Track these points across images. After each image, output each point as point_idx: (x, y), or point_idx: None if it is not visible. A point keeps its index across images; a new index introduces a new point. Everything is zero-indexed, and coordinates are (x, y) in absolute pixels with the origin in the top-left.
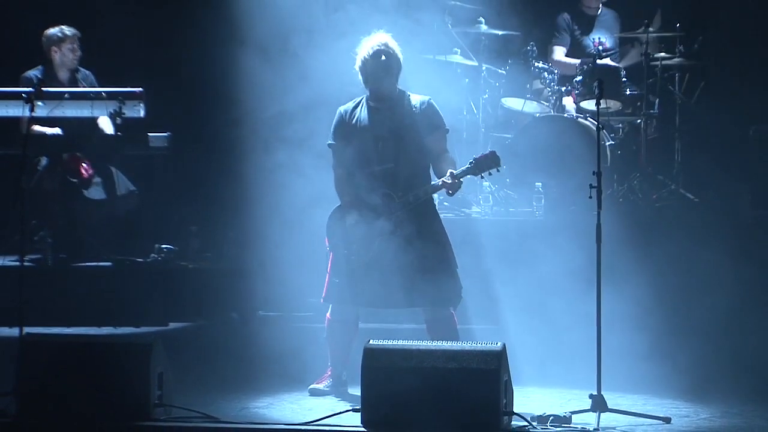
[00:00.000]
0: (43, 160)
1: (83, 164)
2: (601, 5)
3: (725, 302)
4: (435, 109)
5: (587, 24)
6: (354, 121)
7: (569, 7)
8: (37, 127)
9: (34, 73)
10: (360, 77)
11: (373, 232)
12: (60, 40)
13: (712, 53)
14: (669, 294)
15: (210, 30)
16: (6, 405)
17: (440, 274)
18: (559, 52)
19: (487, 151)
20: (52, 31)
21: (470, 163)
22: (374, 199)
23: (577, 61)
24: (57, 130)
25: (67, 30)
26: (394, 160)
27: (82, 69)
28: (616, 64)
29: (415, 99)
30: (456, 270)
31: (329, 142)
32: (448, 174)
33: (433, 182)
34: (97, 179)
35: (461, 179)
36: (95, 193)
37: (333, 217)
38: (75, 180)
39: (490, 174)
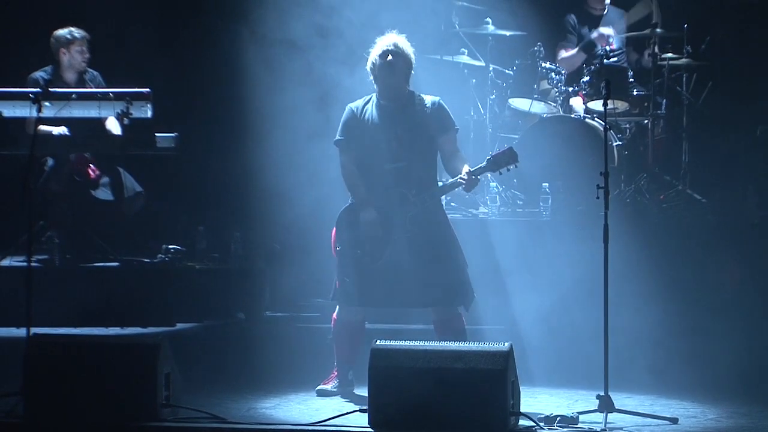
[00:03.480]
0: (50, 161)
1: (90, 165)
2: (607, 5)
3: (733, 303)
4: (445, 109)
5: (593, 24)
6: (364, 118)
7: (575, 8)
8: (43, 127)
9: (40, 74)
10: (370, 76)
11: (388, 232)
12: (69, 42)
13: (720, 54)
14: (676, 294)
15: (217, 30)
16: (13, 405)
17: (451, 274)
18: (564, 53)
19: (505, 147)
20: (61, 32)
21: (487, 160)
22: (388, 197)
23: (580, 53)
24: (63, 130)
25: (76, 32)
26: (406, 158)
27: (90, 70)
28: (623, 65)
29: (426, 99)
30: (466, 270)
31: (337, 138)
32: (464, 171)
33: (449, 180)
34: (104, 180)
35: (479, 177)
36: (102, 194)
37: (343, 216)
38: (82, 180)
39: (508, 170)
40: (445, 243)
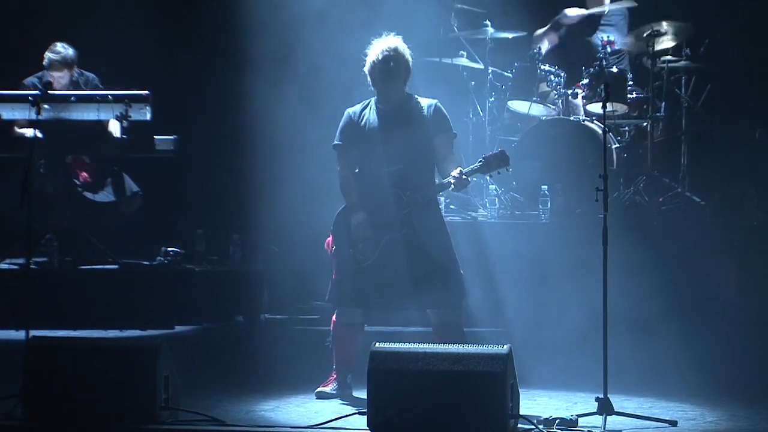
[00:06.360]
0: (44, 163)
1: (85, 168)
2: (607, 5)
3: (732, 305)
4: (442, 112)
5: (594, 24)
6: (362, 122)
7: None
8: (17, 128)
9: (32, 79)
10: (368, 80)
11: (381, 232)
12: (45, 67)
13: (719, 56)
14: (675, 297)
15: (216, 33)
16: (12, 408)
17: (445, 275)
18: (539, 31)
19: (497, 150)
20: (47, 54)
21: (479, 161)
22: (382, 198)
23: (548, 31)
24: (36, 133)
25: (53, 57)
26: (402, 161)
27: (85, 73)
28: (622, 68)
29: (423, 102)
30: (460, 271)
31: (335, 142)
32: (456, 171)
33: (440, 181)
34: (105, 181)
35: (470, 177)
36: (103, 196)
37: (339, 218)
38: (79, 183)
39: (498, 173)
40: (440, 244)
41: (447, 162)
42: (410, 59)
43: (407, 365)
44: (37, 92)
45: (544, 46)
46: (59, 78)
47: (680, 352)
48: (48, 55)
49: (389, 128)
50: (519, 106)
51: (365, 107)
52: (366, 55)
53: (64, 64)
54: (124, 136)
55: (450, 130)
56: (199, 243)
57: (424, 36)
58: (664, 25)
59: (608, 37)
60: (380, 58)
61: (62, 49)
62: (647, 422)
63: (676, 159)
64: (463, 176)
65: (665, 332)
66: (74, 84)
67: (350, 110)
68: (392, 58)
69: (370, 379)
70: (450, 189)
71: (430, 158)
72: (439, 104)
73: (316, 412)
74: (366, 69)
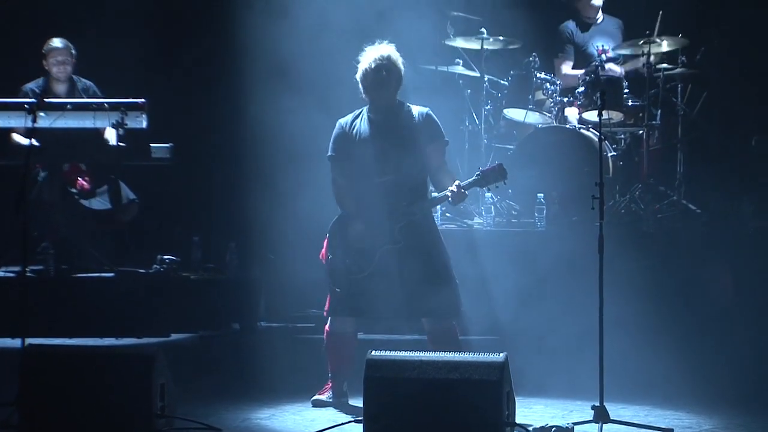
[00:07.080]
0: (42, 172)
1: (82, 175)
2: (601, 14)
3: (728, 312)
4: (434, 120)
5: (589, 32)
6: (354, 132)
7: (571, 17)
8: (16, 136)
9: (31, 86)
10: (360, 87)
11: (376, 243)
12: (45, 54)
13: (715, 64)
14: (671, 305)
15: (213, 40)
16: (8, 416)
17: (441, 285)
18: (566, 67)
19: (495, 164)
20: (46, 44)
21: (477, 175)
22: (377, 210)
23: (582, 71)
24: (32, 141)
25: (53, 43)
26: (394, 171)
27: (82, 80)
28: (620, 72)
29: (415, 110)
30: (455, 282)
31: (329, 154)
32: (454, 185)
33: (438, 194)
34: (101, 189)
35: (467, 191)
36: (99, 203)
37: (334, 228)
38: (75, 191)
39: (496, 187)
40: (435, 255)
41: (440, 172)
42: (402, 67)
43: (403, 373)
44: (32, 100)
45: (570, 83)
46: (58, 65)
47: (677, 359)
48: (51, 40)
49: (381, 138)
50: (515, 113)
51: (356, 117)
52: (358, 63)
53: (65, 50)
54: (120, 144)
55: (442, 138)
56: (196, 251)
57: (420, 44)
58: (660, 41)
59: (603, 45)
60: (372, 66)
61: (61, 39)
62: (643, 430)
63: (672, 167)
64: (461, 190)
65: (661, 340)
66: (73, 86)
67: (342, 120)
68: (384, 66)
69: (366, 387)
70: (448, 201)
71: (423, 168)
72: (430, 112)
73: (312, 420)
74: (358, 77)
